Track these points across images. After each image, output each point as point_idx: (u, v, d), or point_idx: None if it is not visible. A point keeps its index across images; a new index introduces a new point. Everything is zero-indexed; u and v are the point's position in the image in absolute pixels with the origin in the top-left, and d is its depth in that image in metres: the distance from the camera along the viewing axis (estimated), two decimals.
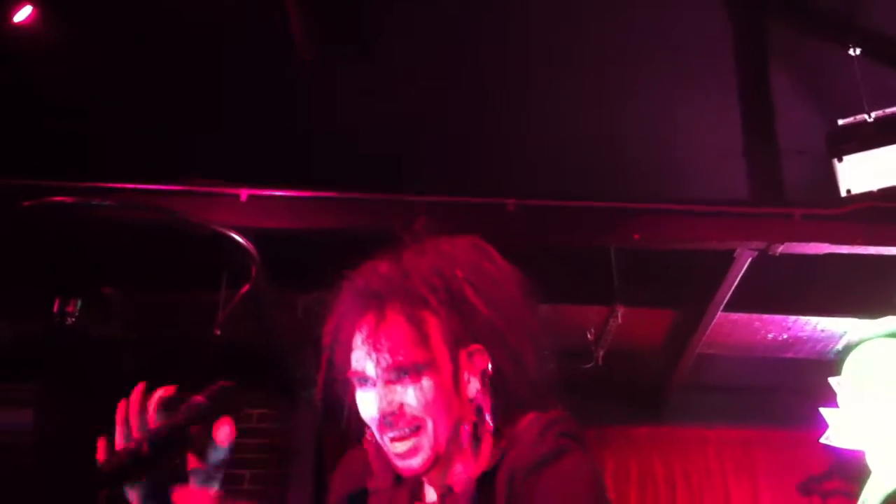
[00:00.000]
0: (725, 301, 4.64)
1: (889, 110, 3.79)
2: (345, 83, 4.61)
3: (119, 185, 4.07)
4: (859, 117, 3.82)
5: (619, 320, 4.92)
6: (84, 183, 4.01)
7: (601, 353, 5.29)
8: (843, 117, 3.85)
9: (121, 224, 4.08)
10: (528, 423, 1.57)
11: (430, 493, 1.61)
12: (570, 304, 4.92)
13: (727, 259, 4.29)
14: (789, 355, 5.37)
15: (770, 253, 4.14)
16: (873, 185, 3.78)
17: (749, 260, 4.22)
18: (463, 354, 1.56)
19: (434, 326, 1.54)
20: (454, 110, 4.57)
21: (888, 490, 5.12)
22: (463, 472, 1.56)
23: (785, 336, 5.20)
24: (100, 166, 4.17)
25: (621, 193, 4.29)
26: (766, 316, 5.01)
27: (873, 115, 3.81)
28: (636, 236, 4.16)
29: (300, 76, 4.57)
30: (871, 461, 5.11)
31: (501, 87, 4.59)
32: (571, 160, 4.54)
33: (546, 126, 4.60)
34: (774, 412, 5.70)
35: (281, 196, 4.18)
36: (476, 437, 1.57)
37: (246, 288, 3.65)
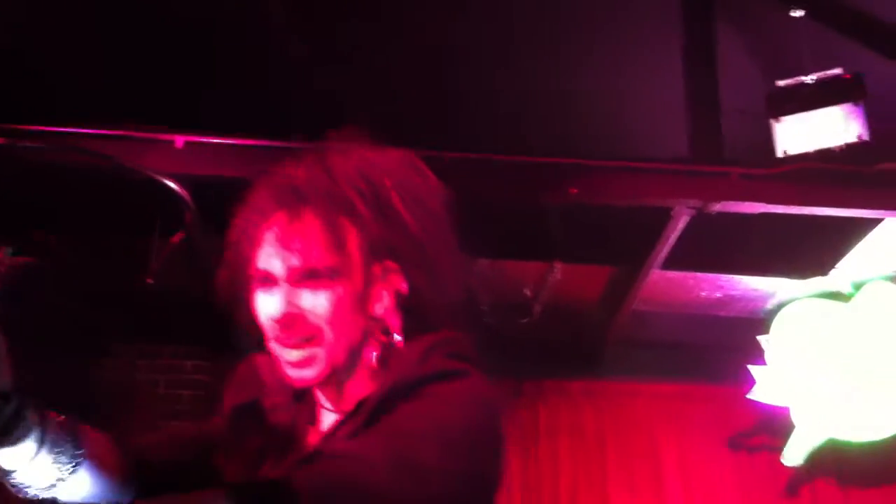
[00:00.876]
0: (662, 259, 4.69)
1: (828, 72, 3.83)
2: (286, 33, 4.50)
3: (52, 129, 3.93)
4: (799, 79, 3.85)
5: (558, 276, 4.95)
6: (16, 125, 3.87)
7: (539, 308, 5.33)
8: (785, 78, 3.88)
9: (54, 168, 3.96)
10: (417, 343, 1.46)
11: (327, 418, 1.52)
12: (508, 260, 4.93)
13: (664, 217, 4.32)
14: (722, 313, 5.47)
15: (706, 211, 4.18)
16: (810, 146, 3.83)
17: (686, 218, 4.26)
18: (378, 268, 1.47)
19: (352, 234, 1.45)
20: (396, 62, 4.50)
21: (811, 446, 5.29)
22: (360, 396, 1.46)
23: (718, 294, 5.28)
24: (33, 109, 4.03)
25: (561, 149, 4.28)
26: (700, 274, 5.09)
27: (813, 77, 3.84)
28: (573, 191, 4.16)
29: (239, 19, 4.45)
30: (794, 417, 5.27)
31: (445, 42, 4.53)
32: (512, 115, 4.52)
33: (487, 81, 4.56)
34: (705, 368, 5.81)
35: (217, 143, 4.09)
36: (384, 361, 1.47)
37: (179, 236, 3.57)
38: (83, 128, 3.99)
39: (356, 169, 1.48)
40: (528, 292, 5.16)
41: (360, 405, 1.43)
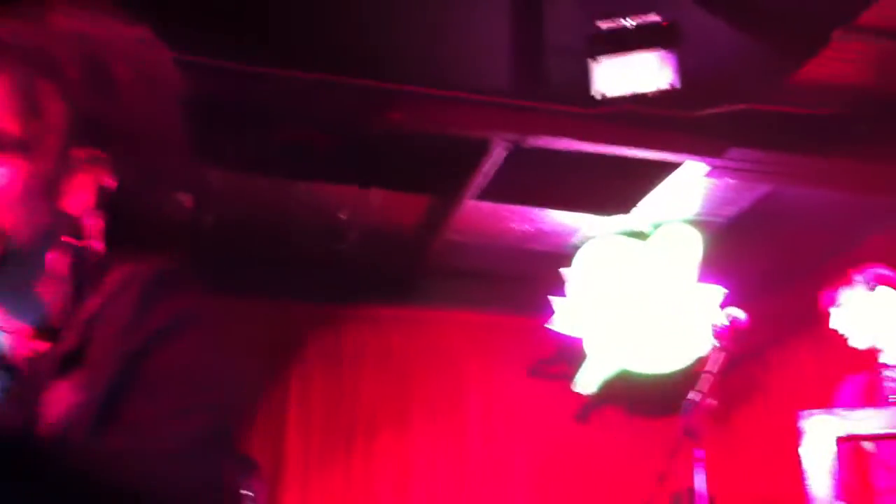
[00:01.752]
0: (477, 190, 4.73)
1: (648, 17, 3.91)
2: None
3: None
4: (619, 22, 3.92)
5: (375, 202, 4.91)
6: None
7: (354, 234, 5.28)
8: (607, 21, 3.93)
9: None
10: (131, 275, 1.19)
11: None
12: (325, 183, 4.84)
13: (482, 149, 4.35)
14: (532, 246, 5.60)
15: (522, 145, 4.23)
16: (625, 89, 3.92)
17: (502, 151, 4.30)
18: (81, 153, 1.22)
19: (55, 104, 1.20)
20: None
21: (602, 376, 5.56)
22: (44, 311, 1.21)
23: (529, 228, 5.40)
24: None
25: (385, 75, 4.20)
26: (513, 207, 5.18)
27: (632, 21, 3.92)
28: (395, 116, 4.10)
29: None
30: (588, 348, 5.51)
31: None
32: (334, 37, 4.38)
33: (312, 2, 4.39)
34: (513, 299, 5.97)
35: None
36: (77, 273, 1.20)
37: None
38: None
39: (78, 32, 1.23)
40: (343, 217, 5.09)
41: (53, 331, 1.19)
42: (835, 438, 1.35)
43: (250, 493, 4.21)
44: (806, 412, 1.39)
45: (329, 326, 5.85)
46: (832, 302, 2.90)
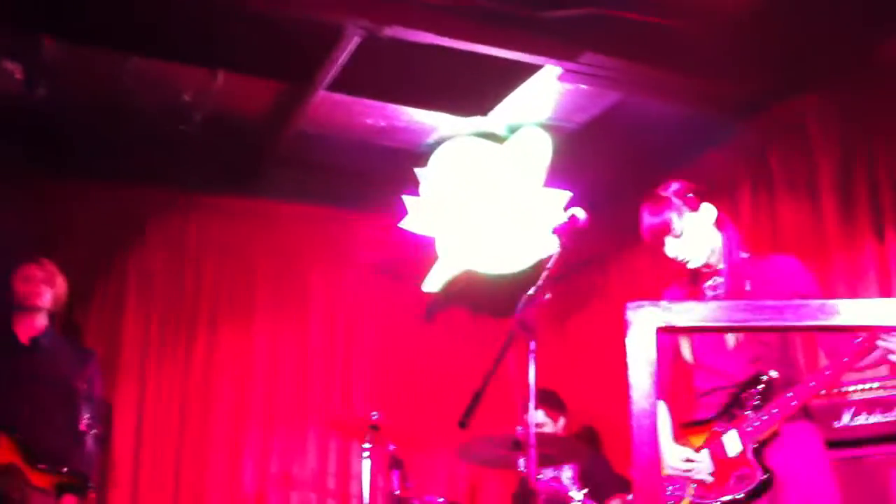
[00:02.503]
0: (330, 80, 4.59)
1: None
2: None
3: None
4: None
5: (220, 85, 4.70)
6: None
7: (199, 117, 5.06)
8: None
9: None
10: None
11: None
12: (167, 61, 4.59)
13: (335, 35, 4.20)
14: (385, 143, 5.52)
15: (378, 35, 4.11)
16: None
17: (357, 39, 4.17)
18: None
19: None
20: None
21: (451, 275, 5.61)
22: None
23: (383, 123, 5.31)
24: None
25: None
26: (368, 101, 5.07)
27: None
28: None
29: None
30: (439, 247, 5.54)
31: None
32: None
33: None
34: (365, 196, 5.90)
35: None
36: None
37: None
38: None
39: None
40: (187, 98, 4.85)
41: None
42: (655, 329, 1.37)
43: (94, 430, 4.09)
44: (631, 304, 1.40)
45: (171, 213, 5.65)
46: (666, 230, 2.86)
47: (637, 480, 1.43)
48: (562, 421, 4.92)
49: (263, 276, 5.77)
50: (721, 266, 2.90)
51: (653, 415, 1.43)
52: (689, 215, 2.86)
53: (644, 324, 1.46)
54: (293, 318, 5.77)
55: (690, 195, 2.91)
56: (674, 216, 2.85)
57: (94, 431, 4.14)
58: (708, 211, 2.91)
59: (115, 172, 5.40)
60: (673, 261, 2.93)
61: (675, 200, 2.87)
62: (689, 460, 2.78)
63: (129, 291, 5.49)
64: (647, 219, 2.92)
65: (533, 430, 2.54)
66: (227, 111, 5.10)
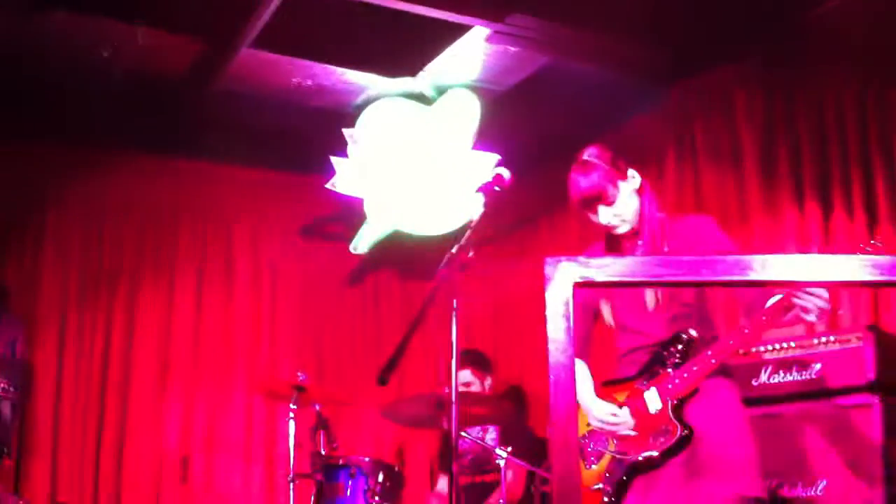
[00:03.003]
0: (255, 37, 4.50)
1: None
2: None
3: None
4: None
5: (142, 39, 4.56)
6: None
7: (119, 73, 4.91)
8: None
9: None
10: None
11: None
12: (86, 15, 4.44)
13: None
14: (312, 103, 5.44)
15: None
16: None
17: None
18: None
19: None
20: None
21: (377, 236, 5.59)
22: None
23: (310, 83, 5.23)
24: None
25: None
26: (295, 60, 4.97)
27: None
28: None
29: None
30: (367, 208, 5.51)
31: None
32: None
33: None
34: (292, 156, 5.83)
35: None
36: None
37: None
38: None
39: None
40: (106, 54, 4.70)
41: None
42: (572, 283, 1.37)
43: (10, 397, 3.99)
44: (550, 258, 1.40)
45: (92, 172, 5.50)
46: (600, 197, 2.83)
47: (553, 432, 1.44)
48: (489, 381, 4.96)
49: (187, 236, 5.66)
50: (640, 228, 2.92)
51: (569, 368, 1.44)
52: (620, 183, 2.87)
53: (562, 278, 1.47)
54: (218, 278, 5.69)
55: (619, 162, 2.91)
56: (608, 184, 2.84)
57: (10, 398, 4.03)
58: (634, 177, 2.92)
59: (33, 130, 5.24)
60: (598, 225, 2.94)
61: (608, 167, 2.87)
62: (612, 415, 2.82)
63: (46, 251, 5.36)
64: (581, 185, 2.88)
65: (455, 388, 2.54)
66: (149, 68, 4.96)
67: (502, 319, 6.07)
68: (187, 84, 5.14)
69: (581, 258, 1.48)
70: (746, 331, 2.74)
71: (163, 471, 5.31)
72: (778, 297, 2.69)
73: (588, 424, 2.90)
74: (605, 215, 2.88)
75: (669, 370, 2.81)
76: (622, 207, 2.88)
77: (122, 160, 5.54)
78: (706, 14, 4.46)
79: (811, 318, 2.61)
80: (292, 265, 5.92)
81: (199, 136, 5.58)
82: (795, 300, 2.58)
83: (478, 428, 4.69)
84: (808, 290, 2.56)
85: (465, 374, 4.80)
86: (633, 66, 4.92)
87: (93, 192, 5.49)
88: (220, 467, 5.43)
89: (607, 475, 2.82)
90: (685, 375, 2.77)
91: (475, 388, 4.78)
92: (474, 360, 4.94)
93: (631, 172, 2.92)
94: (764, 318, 2.69)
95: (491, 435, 4.70)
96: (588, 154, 2.91)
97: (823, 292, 2.56)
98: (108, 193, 5.52)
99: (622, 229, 2.90)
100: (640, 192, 2.92)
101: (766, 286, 2.39)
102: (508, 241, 6.10)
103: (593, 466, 2.89)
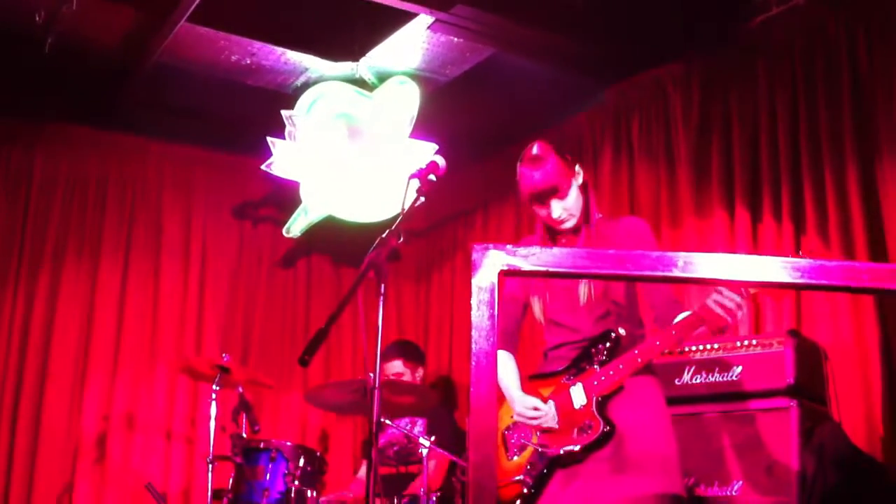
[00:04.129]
0: (192, 10, 4.40)
1: None
2: None
3: None
4: None
5: (74, 7, 4.43)
6: None
7: (51, 41, 4.77)
8: None
9: None
10: None
11: None
12: None
13: None
14: (249, 82, 5.36)
15: None
16: None
17: None
18: None
19: None
20: None
21: (310, 221, 5.53)
22: None
23: (249, 61, 5.14)
24: None
25: None
26: (234, 37, 4.89)
27: None
28: None
29: None
30: (302, 193, 5.45)
31: None
32: None
33: None
34: (225, 135, 5.74)
35: None
36: None
37: None
38: None
39: None
40: (38, 21, 4.56)
41: None
42: (498, 271, 1.36)
43: None
44: (478, 245, 1.38)
45: (17, 143, 5.33)
46: (554, 191, 2.82)
47: (472, 419, 1.43)
48: (420, 372, 4.96)
49: (114, 212, 5.52)
50: (581, 226, 2.92)
51: (492, 355, 1.43)
52: (570, 178, 2.87)
53: (489, 266, 1.46)
54: (144, 256, 5.55)
55: (569, 157, 2.91)
56: (561, 177, 2.83)
57: None
58: (579, 173, 2.92)
59: None
60: (542, 220, 2.92)
61: (561, 162, 2.86)
62: (536, 409, 2.83)
63: None
64: (535, 179, 2.84)
65: (378, 374, 2.52)
66: (82, 38, 4.83)
67: (434, 312, 6.07)
68: (121, 55, 5.01)
69: (509, 246, 1.47)
70: (674, 332, 2.76)
71: (80, 448, 5.18)
72: (687, 313, 2.73)
73: (513, 416, 2.91)
74: (556, 209, 2.86)
75: (596, 367, 2.82)
76: (571, 202, 2.88)
77: (50, 131, 5.38)
78: (648, 14, 4.50)
79: (720, 333, 2.66)
80: (222, 245, 5.81)
81: (132, 110, 5.45)
82: (710, 300, 2.61)
83: (406, 420, 4.69)
84: (721, 304, 2.60)
85: (397, 365, 4.79)
86: (574, 63, 4.95)
87: (18, 163, 5.32)
88: (139, 446, 5.32)
89: (528, 467, 2.82)
90: (611, 373, 2.78)
91: (406, 378, 4.78)
92: (407, 350, 4.94)
93: (577, 168, 2.92)
94: (674, 332, 2.73)
95: (418, 428, 4.69)
96: (537, 148, 2.88)
97: (739, 306, 2.59)
98: (34, 165, 5.36)
99: (569, 224, 2.89)
100: (582, 189, 2.93)
101: (689, 283, 2.41)
102: (443, 234, 6.10)
103: (515, 458, 2.89)
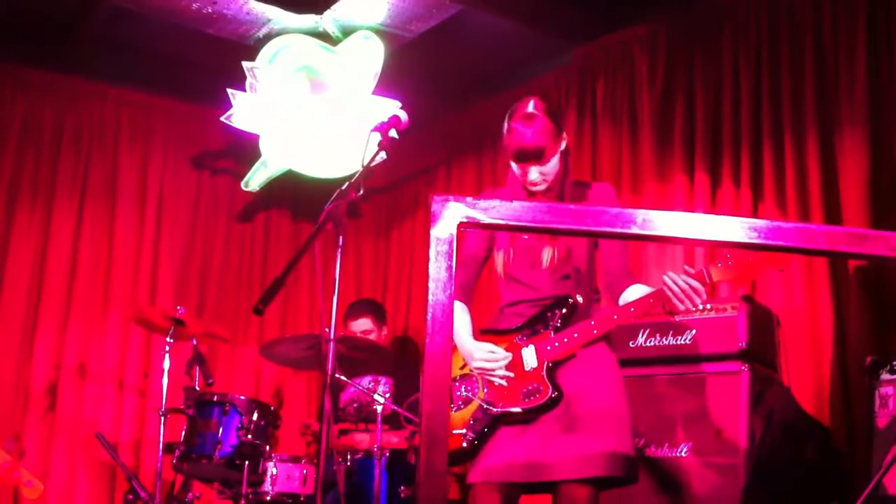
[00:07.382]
0: None
1: None
2: None
3: None
4: None
5: None
6: None
7: None
8: None
9: None
10: None
11: None
12: None
13: None
14: (211, 31, 5.25)
15: None
16: None
17: None
18: None
19: None
20: None
21: (270, 174, 5.47)
22: None
23: (210, 10, 5.03)
24: None
25: None
26: None
27: None
28: None
29: None
30: (262, 146, 5.38)
31: None
32: None
33: None
34: (184, 84, 5.63)
35: None
36: None
37: None
38: None
39: None
40: None
41: None
42: (457, 223, 1.35)
43: None
44: (438, 196, 1.37)
45: None
46: (542, 155, 2.76)
47: (426, 369, 1.42)
48: (385, 331, 4.96)
49: (69, 158, 5.40)
50: (555, 191, 2.88)
51: (448, 308, 1.42)
52: (558, 146, 2.82)
53: (448, 217, 1.45)
54: (99, 204, 5.44)
55: (559, 120, 2.85)
56: (550, 142, 2.77)
57: None
58: (564, 139, 2.87)
59: None
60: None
61: (552, 125, 2.79)
62: (492, 352, 2.80)
63: None
64: (526, 138, 2.76)
65: (334, 327, 2.50)
66: None
67: (393, 269, 6.05)
68: None
69: (469, 199, 1.46)
70: (632, 309, 2.75)
71: (29, 397, 5.11)
72: (645, 289, 2.73)
73: (462, 367, 2.89)
74: (533, 173, 2.81)
75: (551, 332, 2.81)
76: (549, 168, 2.82)
77: (2, 73, 5.24)
78: None
79: (678, 315, 2.68)
80: (180, 196, 5.72)
81: (89, 53, 5.32)
82: (669, 294, 2.60)
83: (369, 377, 4.66)
84: (683, 290, 2.59)
85: (366, 322, 4.79)
86: (541, 22, 4.91)
87: None
88: (90, 396, 5.26)
89: (472, 422, 2.81)
90: (565, 340, 2.77)
91: (373, 336, 4.77)
92: (373, 308, 4.93)
93: (563, 134, 2.87)
94: (632, 309, 2.73)
95: (382, 387, 4.67)
96: (532, 106, 2.80)
97: (699, 294, 2.60)
98: None
99: (540, 188, 2.85)
100: (563, 155, 2.88)
101: (647, 241, 2.41)
102: (404, 191, 6.07)
103: (459, 411, 2.87)
